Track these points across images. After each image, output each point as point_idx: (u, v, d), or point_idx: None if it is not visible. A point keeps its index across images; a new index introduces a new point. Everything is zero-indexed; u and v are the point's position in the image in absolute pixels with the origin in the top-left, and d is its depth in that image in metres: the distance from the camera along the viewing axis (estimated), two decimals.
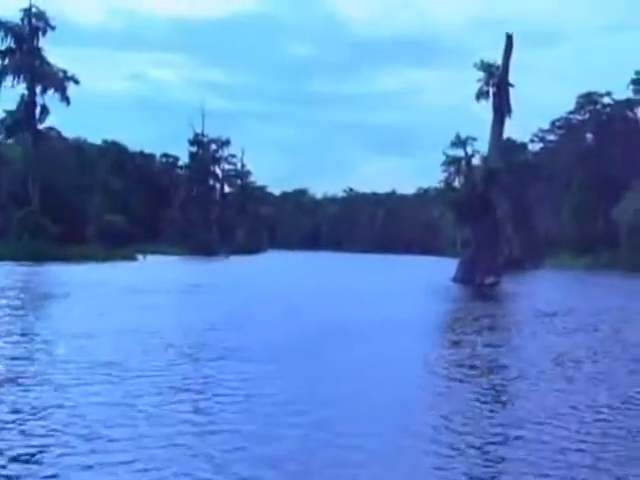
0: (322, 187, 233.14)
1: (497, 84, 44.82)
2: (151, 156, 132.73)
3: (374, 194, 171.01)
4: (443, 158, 52.30)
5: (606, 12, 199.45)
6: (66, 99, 66.64)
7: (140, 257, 72.60)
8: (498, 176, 43.30)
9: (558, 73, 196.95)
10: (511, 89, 44.98)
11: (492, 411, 10.64)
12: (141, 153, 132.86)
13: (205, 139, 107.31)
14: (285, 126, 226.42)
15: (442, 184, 43.58)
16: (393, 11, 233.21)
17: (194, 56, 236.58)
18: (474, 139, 43.40)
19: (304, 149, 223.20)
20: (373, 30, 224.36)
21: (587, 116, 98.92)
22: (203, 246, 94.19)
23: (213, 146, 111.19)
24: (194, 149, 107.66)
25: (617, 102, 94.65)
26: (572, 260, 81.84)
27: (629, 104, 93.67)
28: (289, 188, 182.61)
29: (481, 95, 45.94)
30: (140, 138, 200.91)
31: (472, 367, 14.22)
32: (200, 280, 39.20)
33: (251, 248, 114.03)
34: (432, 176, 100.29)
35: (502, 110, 44.47)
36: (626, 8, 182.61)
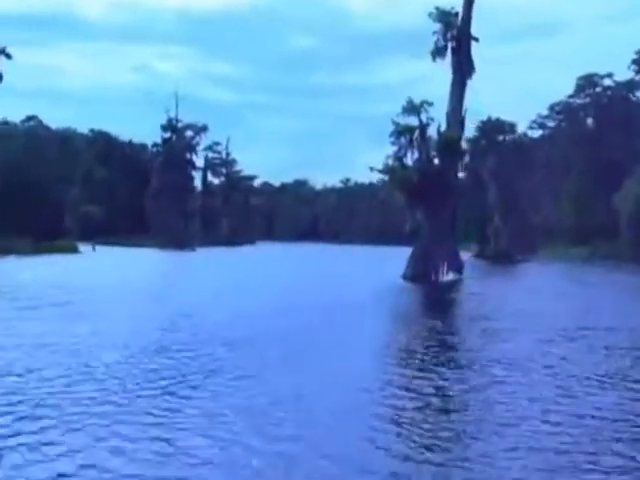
0: (325, 179, 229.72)
1: (457, 37, 37.15)
2: (143, 146, 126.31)
3: (371, 184, 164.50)
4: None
5: (609, 1, 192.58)
6: None
7: (87, 250, 66.47)
8: (457, 147, 35.87)
9: (560, 61, 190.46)
10: (475, 44, 37.33)
11: None
12: (130, 143, 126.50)
13: (180, 124, 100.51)
14: (288, 118, 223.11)
15: (391, 160, 35.98)
16: (396, 2, 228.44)
17: (198, 48, 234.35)
18: (430, 104, 35.88)
19: (307, 141, 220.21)
20: (377, 22, 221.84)
21: (587, 100, 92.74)
22: (174, 238, 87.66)
23: (189, 132, 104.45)
24: (167, 135, 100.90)
25: (618, 84, 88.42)
26: (568, 251, 75.35)
27: (630, 86, 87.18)
28: (291, 179, 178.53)
29: (438, 52, 38.07)
30: (144, 130, 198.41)
31: None
32: (81, 280, 32.43)
33: (238, 240, 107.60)
34: None
35: (463, 69, 36.90)
36: None
